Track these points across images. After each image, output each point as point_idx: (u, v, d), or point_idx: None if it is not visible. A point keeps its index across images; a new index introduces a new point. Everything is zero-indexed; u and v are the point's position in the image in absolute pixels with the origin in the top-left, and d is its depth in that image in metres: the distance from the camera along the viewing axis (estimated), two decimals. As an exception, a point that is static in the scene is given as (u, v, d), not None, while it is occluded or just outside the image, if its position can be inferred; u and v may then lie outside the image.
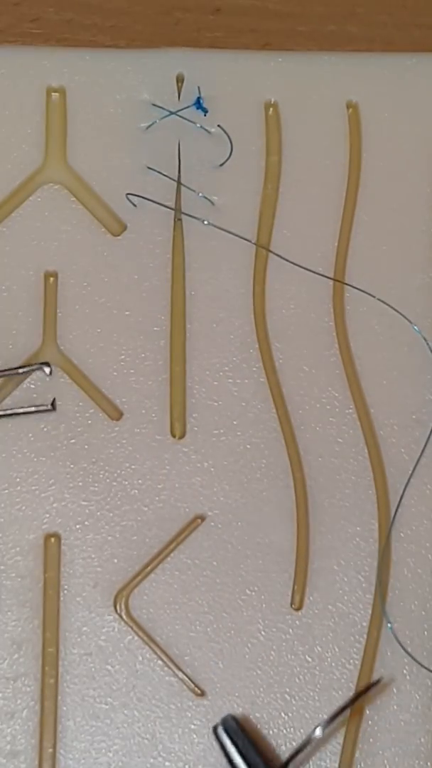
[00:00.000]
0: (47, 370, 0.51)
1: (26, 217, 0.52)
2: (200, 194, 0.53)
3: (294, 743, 0.49)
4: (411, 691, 0.50)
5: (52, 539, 0.50)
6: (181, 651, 0.50)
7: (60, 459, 0.51)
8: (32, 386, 0.51)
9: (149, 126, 0.53)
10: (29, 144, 0.53)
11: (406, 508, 0.51)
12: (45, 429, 0.51)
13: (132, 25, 0.54)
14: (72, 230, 0.52)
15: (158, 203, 0.52)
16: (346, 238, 0.53)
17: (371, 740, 0.50)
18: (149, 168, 0.52)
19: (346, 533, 0.51)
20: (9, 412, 0.51)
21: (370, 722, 0.50)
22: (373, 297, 0.52)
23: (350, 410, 0.52)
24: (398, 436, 0.52)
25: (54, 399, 0.51)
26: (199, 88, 0.53)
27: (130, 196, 0.52)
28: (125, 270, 0.52)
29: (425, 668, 0.50)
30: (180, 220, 0.52)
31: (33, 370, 0.51)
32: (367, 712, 0.50)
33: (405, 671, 0.50)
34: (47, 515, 0.51)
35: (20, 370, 0.51)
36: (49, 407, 0.51)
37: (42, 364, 0.51)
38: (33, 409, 0.51)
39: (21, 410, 0.51)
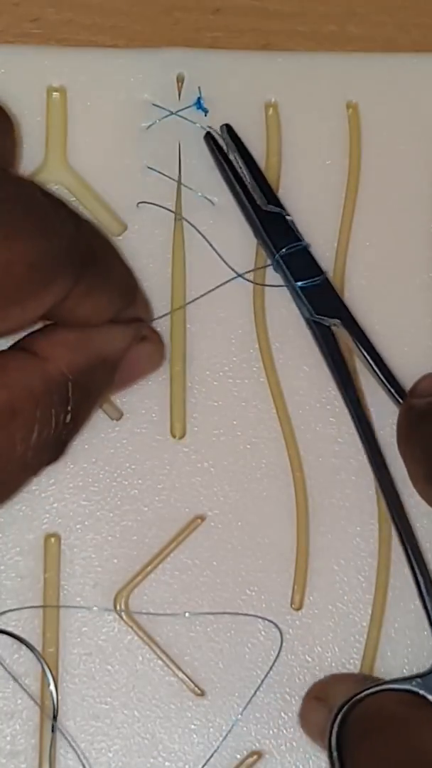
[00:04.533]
0: None
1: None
2: (200, 194, 0.53)
3: (294, 743, 0.50)
4: (411, 691, 0.50)
5: (52, 539, 0.50)
6: (181, 651, 0.50)
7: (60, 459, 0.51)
8: (32, 386, 0.51)
9: (149, 126, 0.53)
10: (29, 144, 0.52)
11: (406, 508, 0.51)
12: (45, 429, 0.51)
13: (132, 25, 0.54)
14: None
15: (159, 205, 0.52)
16: (346, 238, 0.53)
17: (371, 740, 0.50)
18: (150, 168, 0.52)
19: (346, 533, 0.51)
20: None
21: (370, 722, 0.50)
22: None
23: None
24: (398, 436, 0.52)
25: None
26: (199, 88, 0.53)
27: (133, 197, 0.52)
28: (125, 270, 0.52)
29: None
30: (180, 220, 0.52)
31: None
32: (367, 712, 0.50)
33: (405, 671, 0.50)
34: (47, 515, 0.51)
35: None
36: None
37: None
38: None
39: None
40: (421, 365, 0.52)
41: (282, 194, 0.53)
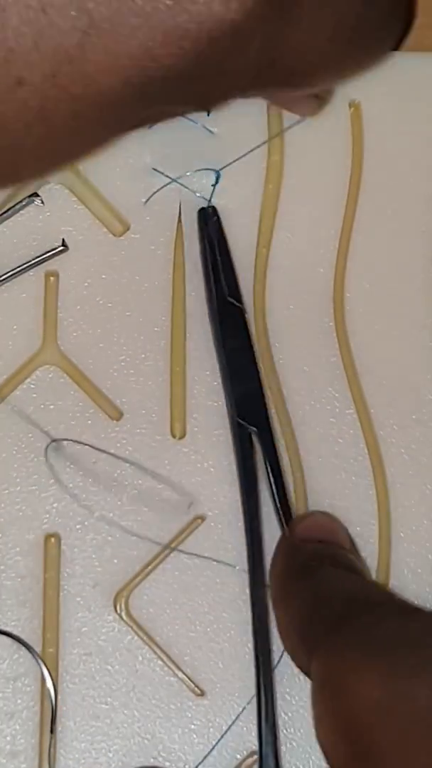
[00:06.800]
0: (38, 200, 0.51)
1: (28, 217, 0.52)
2: (199, 195, 0.53)
3: (294, 743, 0.50)
4: (411, 692, 0.50)
5: (52, 539, 0.50)
6: (181, 651, 0.50)
7: (60, 459, 0.51)
8: (32, 386, 0.51)
9: (152, 126, 0.52)
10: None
11: (406, 508, 0.51)
12: (45, 429, 0.51)
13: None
14: (74, 230, 0.52)
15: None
16: (346, 238, 0.53)
17: (371, 741, 0.50)
18: (154, 169, 0.52)
19: (345, 533, 0.51)
20: (26, 265, 0.51)
21: (370, 723, 0.50)
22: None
23: (350, 410, 0.52)
24: (398, 436, 0.52)
25: (63, 239, 0.51)
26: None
27: (136, 197, 0.52)
28: (126, 270, 0.52)
29: None
30: (182, 221, 0.52)
31: (25, 206, 0.51)
32: (367, 712, 0.50)
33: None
34: (47, 515, 0.51)
35: (16, 206, 0.51)
36: (62, 246, 0.51)
37: (33, 195, 0.51)
38: (48, 254, 0.51)
39: (38, 259, 0.51)
40: (422, 365, 0.52)
41: (283, 194, 0.53)
